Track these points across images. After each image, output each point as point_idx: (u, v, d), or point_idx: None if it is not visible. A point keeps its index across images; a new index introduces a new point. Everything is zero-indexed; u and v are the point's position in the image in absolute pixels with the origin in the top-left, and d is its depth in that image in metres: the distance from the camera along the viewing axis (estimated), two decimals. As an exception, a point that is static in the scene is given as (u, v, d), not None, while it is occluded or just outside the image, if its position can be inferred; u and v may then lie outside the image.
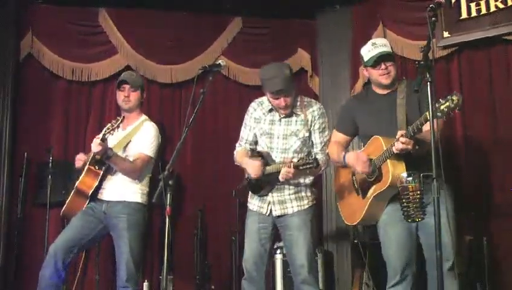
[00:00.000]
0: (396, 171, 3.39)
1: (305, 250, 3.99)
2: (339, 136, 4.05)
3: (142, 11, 6.24)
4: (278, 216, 4.09)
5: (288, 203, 4.08)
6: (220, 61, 3.98)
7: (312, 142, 4.13)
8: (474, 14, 5.10)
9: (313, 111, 4.14)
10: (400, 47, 5.58)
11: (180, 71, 6.23)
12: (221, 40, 6.36)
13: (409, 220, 3.20)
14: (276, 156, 4.10)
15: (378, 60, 3.73)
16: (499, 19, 4.96)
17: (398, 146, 3.29)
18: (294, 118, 4.13)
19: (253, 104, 4.31)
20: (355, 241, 5.27)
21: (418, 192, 3.13)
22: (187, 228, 6.00)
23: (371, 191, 3.61)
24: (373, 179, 3.59)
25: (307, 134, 4.09)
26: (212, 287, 5.84)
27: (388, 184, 3.43)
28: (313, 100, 4.31)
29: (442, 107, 2.90)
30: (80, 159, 4.45)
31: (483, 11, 5.05)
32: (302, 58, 6.43)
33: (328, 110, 6.04)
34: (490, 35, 5.03)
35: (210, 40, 6.35)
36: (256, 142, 4.29)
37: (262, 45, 6.48)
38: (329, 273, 5.75)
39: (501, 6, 4.94)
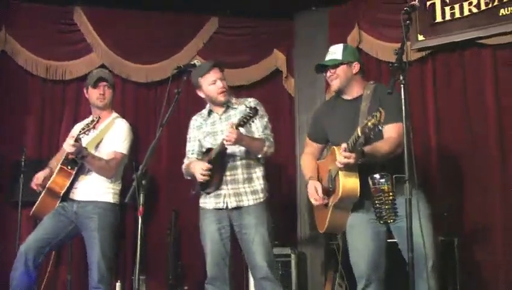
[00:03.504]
0: (347, 183, 3.38)
1: (262, 249, 3.99)
2: (311, 145, 4.01)
3: (118, 10, 6.20)
4: (234, 208, 4.07)
5: (243, 195, 4.07)
6: (195, 61, 4.01)
7: (254, 130, 4.13)
8: (448, 17, 5.16)
9: (250, 102, 4.16)
10: (375, 49, 5.66)
11: (155, 71, 6.21)
12: (197, 40, 6.35)
13: (381, 222, 3.19)
14: None
15: (319, 68, 3.76)
16: (473, 23, 5.03)
17: (339, 159, 3.29)
18: (233, 112, 4.20)
19: (194, 117, 4.43)
20: (330, 242, 5.29)
21: (391, 193, 3.12)
22: (161, 229, 5.98)
23: (330, 201, 3.59)
24: (332, 189, 3.57)
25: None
26: (186, 287, 5.82)
27: (339, 196, 3.41)
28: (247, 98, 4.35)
29: (369, 123, 2.95)
30: (38, 183, 4.36)
31: (457, 14, 5.12)
32: (277, 58, 6.43)
33: (303, 110, 6.18)
34: (464, 38, 5.10)
35: (186, 39, 6.34)
36: (202, 152, 4.31)
37: (238, 45, 6.48)
38: (303, 274, 5.78)
39: (475, 10, 5.02)
